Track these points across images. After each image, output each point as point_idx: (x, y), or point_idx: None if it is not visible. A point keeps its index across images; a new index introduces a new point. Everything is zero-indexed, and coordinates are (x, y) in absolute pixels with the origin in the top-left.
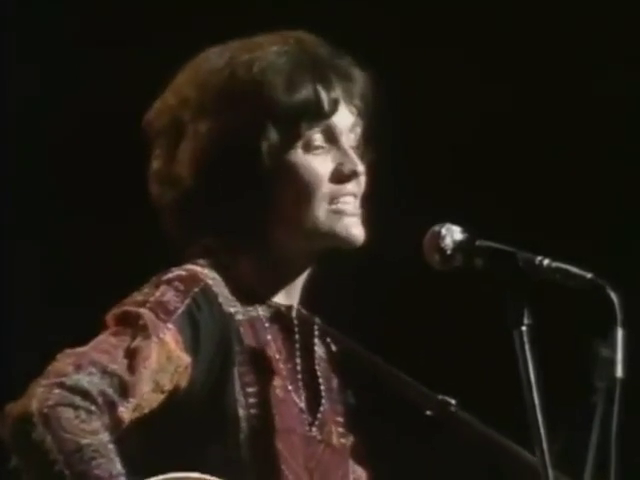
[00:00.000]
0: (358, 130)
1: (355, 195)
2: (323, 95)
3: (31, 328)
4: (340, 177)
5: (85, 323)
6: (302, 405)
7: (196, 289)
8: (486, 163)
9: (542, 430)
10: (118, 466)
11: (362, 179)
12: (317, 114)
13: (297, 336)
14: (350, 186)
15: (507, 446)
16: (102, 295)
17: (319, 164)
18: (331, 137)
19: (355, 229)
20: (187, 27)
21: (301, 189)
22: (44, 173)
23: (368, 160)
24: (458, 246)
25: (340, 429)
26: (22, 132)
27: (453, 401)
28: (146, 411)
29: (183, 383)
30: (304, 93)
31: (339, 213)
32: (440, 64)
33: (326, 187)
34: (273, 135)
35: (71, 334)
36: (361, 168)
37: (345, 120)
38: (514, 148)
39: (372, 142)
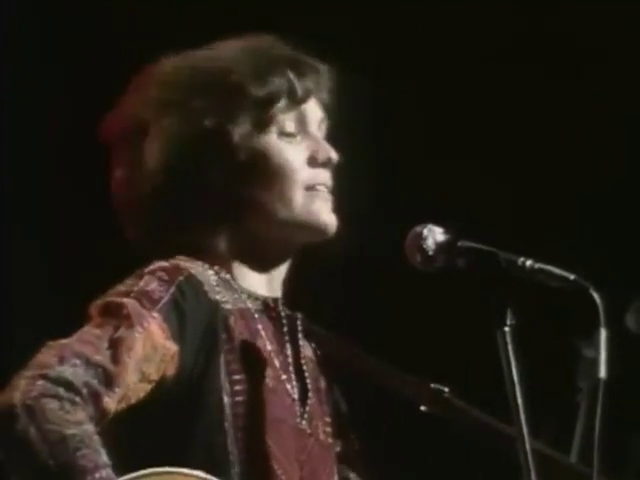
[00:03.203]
0: (324, 126)
1: (327, 185)
2: (296, 82)
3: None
4: (315, 163)
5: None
6: (295, 396)
7: (180, 278)
8: (474, 162)
9: (525, 430)
10: (104, 457)
11: (332, 169)
12: (290, 99)
13: (285, 328)
14: (324, 174)
15: (504, 430)
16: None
17: (294, 151)
18: (303, 125)
19: (328, 217)
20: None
21: (276, 174)
22: (43, 164)
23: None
24: (440, 247)
25: (327, 428)
26: (19, 125)
27: (446, 389)
28: (133, 401)
29: (170, 371)
30: (276, 78)
31: (314, 199)
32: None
33: (302, 172)
34: (243, 120)
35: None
36: (334, 155)
37: (315, 111)
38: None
39: (335, 143)
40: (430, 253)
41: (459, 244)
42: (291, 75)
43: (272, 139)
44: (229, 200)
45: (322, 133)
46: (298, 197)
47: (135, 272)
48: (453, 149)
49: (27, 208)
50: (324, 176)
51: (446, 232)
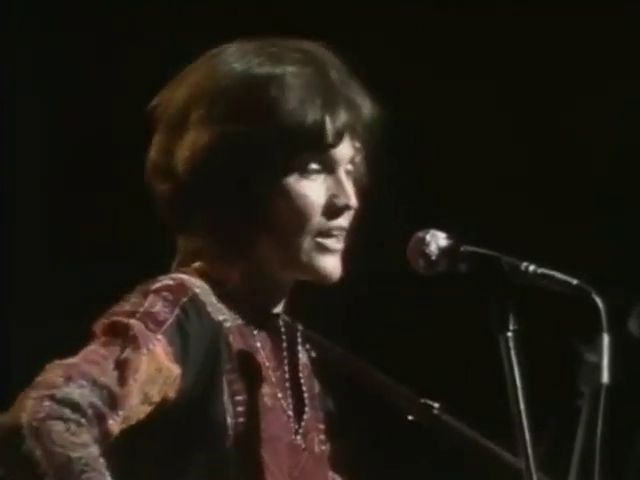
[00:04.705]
0: (358, 160)
1: (343, 229)
2: (329, 126)
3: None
4: (333, 211)
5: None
6: (290, 413)
7: (184, 299)
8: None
9: (527, 434)
10: (108, 479)
11: (352, 212)
12: (320, 144)
13: (285, 344)
14: (340, 220)
15: (490, 449)
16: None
17: (313, 192)
18: (329, 166)
19: (333, 268)
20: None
21: (292, 217)
22: (45, 163)
23: (362, 185)
24: (443, 252)
25: (321, 436)
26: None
27: (436, 404)
28: (133, 422)
29: (171, 394)
30: (312, 122)
31: (322, 249)
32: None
33: (316, 220)
34: (275, 156)
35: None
36: (354, 202)
37: (346, 150)
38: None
39: (370, 169)
40: (433, 258)
41: (462, 249)
42: (327, 118)
43: (294, 178)
44: (241, 224)
45: (352, 167)
46: (306, 244)
47: (139, 287)
48: (453, 151)
49: (27, 208)
50: (340, 222)
51: (449, 237)
